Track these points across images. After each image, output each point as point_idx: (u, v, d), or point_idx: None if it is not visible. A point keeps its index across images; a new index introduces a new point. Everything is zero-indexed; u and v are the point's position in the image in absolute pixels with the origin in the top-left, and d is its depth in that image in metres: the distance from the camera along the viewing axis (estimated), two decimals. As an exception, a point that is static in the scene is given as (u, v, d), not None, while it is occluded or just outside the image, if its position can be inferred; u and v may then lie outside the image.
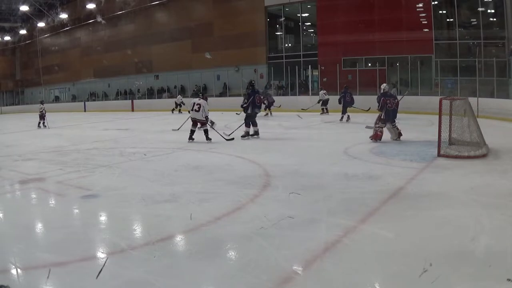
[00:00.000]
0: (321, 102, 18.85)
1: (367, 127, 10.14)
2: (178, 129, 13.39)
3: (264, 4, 25.50)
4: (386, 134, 9.81)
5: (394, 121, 9.80)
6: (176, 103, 24.82)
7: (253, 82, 11.87)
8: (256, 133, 11.19)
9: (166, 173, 7.05)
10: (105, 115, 25.08)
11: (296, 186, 5.71)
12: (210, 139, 10.55)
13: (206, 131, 10.67)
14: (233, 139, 10.69)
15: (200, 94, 12.00)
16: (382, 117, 9.60)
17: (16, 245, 3.94)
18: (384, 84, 10.34)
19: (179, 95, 26.15)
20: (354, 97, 16.36)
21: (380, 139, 9.63)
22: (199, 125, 10.85)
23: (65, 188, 6.18)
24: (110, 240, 4.06)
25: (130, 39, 31.96)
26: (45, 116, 17.75)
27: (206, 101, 10.91)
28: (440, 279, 2.94)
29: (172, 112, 24.33)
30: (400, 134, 9.77)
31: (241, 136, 11.00)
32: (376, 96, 10.26)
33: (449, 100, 8.22)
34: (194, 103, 10.63)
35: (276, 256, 3.50)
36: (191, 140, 10.68)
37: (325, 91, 19.17)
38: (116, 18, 32.65)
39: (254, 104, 11.00)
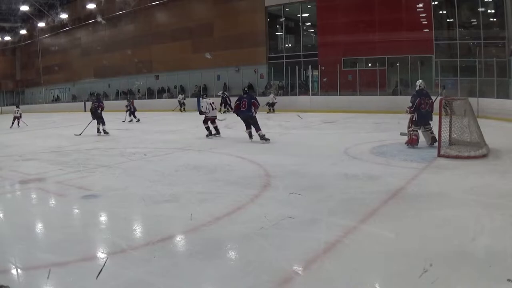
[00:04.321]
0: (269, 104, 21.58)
1: (402, 133, 9.36)
2: (80, 134, 13.59)
3: (264, 4, 25.45)
4: (391, 136, 9.57)
5: (429, 124, 8.85)
6: (179, 102, 26.03)
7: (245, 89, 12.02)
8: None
9: (167, 173, 7.06)
10: (105, 115, 24.98)
11: (297, 186, 5.71)
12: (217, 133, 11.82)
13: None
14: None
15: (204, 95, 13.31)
16: (414, 119, 8.73)
17: (16, 245, 3.94)
18: (420, 81, 9.12)
19: (180, 94, 26.98)
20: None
21: (417, 144, 8.74)
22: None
23: (66, 188, 6.18)
24: (110, 240, 4.06)
25: (130, 39, 31.93)
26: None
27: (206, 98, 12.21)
28: (440, 279, 2.95)
29: (181, 111, 25.68)
30: (434, 140, 8.58)
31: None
32: (411, 96, 9.04)
33: (449, 100, 8.21)
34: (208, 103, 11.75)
35: (276, 256, 3.50)
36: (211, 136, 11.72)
37: (274, 95, 22.56)
38: (116, 18, 32.64)
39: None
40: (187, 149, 9.70)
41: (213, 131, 11.85)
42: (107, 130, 13.90)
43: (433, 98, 9.05)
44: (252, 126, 10.67)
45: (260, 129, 10.55)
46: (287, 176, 6.51)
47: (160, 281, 3.13)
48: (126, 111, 19.97)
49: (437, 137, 8.50)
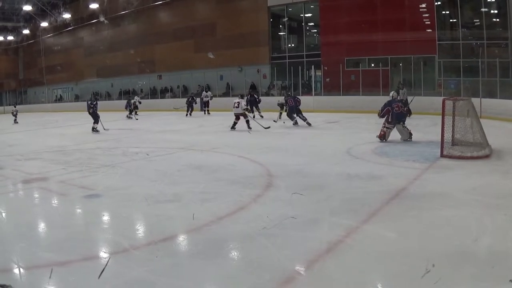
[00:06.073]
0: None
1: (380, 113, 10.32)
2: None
3: (267, 4, 25.43)
4: (395, 136, 9.81)
5: (403, 122, 10.00)
6: (134, 104, 21.95)
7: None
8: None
9: (169, 173, 7.06)
10: (108, 114, 25.05)
11: (299, 186, 5.70)
12: (250, 128, 13.13)
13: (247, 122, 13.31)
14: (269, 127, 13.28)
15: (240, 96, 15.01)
16: (389, 120, 9.83)
17: (19, 244, 3.96)
18: (393, 92, 10.89)
19: (136, 96, 24.35)
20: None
21: (384, 139, 9.74)
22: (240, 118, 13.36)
23: (68, 188, 6.19)
24: (113, 240, 4.07)
25: (133, 39, 31.96)
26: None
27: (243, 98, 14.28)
28: (443, 280, 2.94)
29: (130, 113, 21.98)
30: (411, 134, 9.93)
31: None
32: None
33: (452, 100, 8.20)
34: (234, 102, 13.46)
35: (278, 256, 3.50)
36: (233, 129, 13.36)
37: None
38: (119, 18, 32.66)
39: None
40: (190, 149, 9.71)
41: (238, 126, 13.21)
42: (97, 129, 14.56)
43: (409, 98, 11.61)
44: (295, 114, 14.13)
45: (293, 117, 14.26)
46: (290, 176, 6.51)
47: (162, 280, 3.13)
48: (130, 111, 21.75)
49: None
